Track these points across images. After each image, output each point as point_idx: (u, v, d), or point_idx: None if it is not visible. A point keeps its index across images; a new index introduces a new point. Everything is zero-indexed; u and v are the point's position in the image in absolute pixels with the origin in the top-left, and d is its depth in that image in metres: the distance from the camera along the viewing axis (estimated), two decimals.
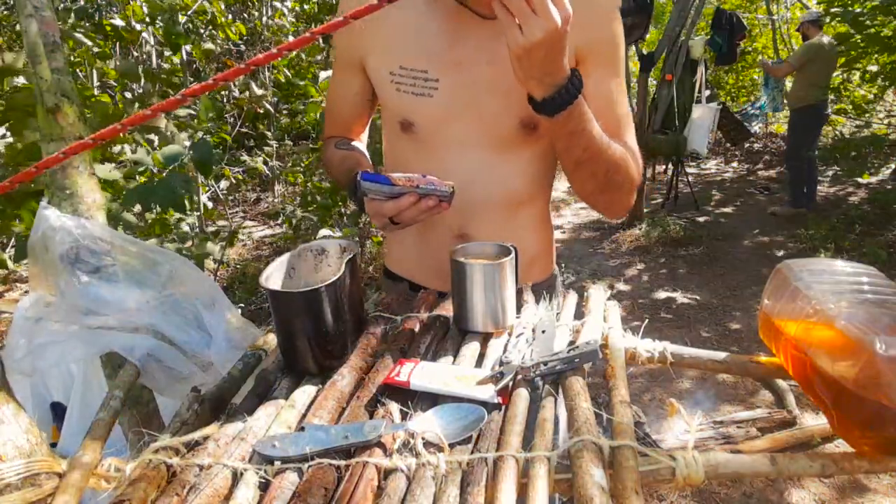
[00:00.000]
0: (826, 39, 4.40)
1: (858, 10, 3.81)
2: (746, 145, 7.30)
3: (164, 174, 1.58)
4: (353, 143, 1.06)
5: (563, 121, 0.72)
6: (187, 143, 1.86)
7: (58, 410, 1.23)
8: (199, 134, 1.97)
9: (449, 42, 0.87)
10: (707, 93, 5.62)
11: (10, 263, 1.77)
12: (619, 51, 0.88)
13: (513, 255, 0.74)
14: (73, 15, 2.22)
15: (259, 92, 3.18)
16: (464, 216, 0.93)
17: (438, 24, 0.87)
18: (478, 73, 0.87)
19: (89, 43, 2.13)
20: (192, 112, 2.21)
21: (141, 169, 1.85)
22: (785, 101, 5.65)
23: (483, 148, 0.91)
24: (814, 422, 2.08)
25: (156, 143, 2.04)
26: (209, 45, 2.94)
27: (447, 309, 0.81)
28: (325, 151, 1.06)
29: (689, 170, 5.86)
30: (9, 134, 1.54)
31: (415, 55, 0.88)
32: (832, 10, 4.15)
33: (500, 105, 0.88)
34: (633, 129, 0.91)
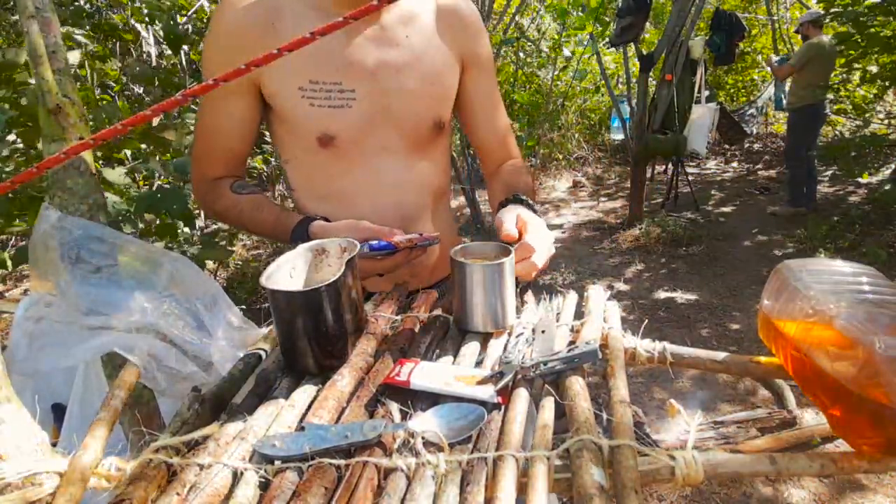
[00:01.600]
0: (826, 39, 4.40)
1: (858, 10, 3.81)
2: (746, 145, 7.31)
3: (170, 183, 1.59)
4: (246, 182, 0.99)
5: None
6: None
7: (58, 411, 1.23)
8: None
9: (356, 52, 0.89)
10: (706, 93, 5.62)
11: (9, 264, 1.77)
12: (492, 59, 1.07)
13: (512, 255, 0.74)
14: (69, 13, 2.22)
15: None
16: (402, 218, 0.97)
17: (340, 34, 0.88)
18: (390, 80, 0.91)
19: (87, 43, 2.13)
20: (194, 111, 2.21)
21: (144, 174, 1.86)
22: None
23: (403, 151, 0.97)
24: (814, 422, 2.08)
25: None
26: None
27: (447, 309, 0.81)
28: (219, 197, 0.96)
29: (689, 170, 5.86)
30: (19, 140, 1.55)
31: (324, 68, 0.88)
32: (832, 10, 4.15)
33: (414, 109, 0.94)
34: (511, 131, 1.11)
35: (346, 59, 0.89)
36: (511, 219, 0.80)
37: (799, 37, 4.84)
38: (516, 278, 0.76)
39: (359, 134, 0.92)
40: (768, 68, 5.23)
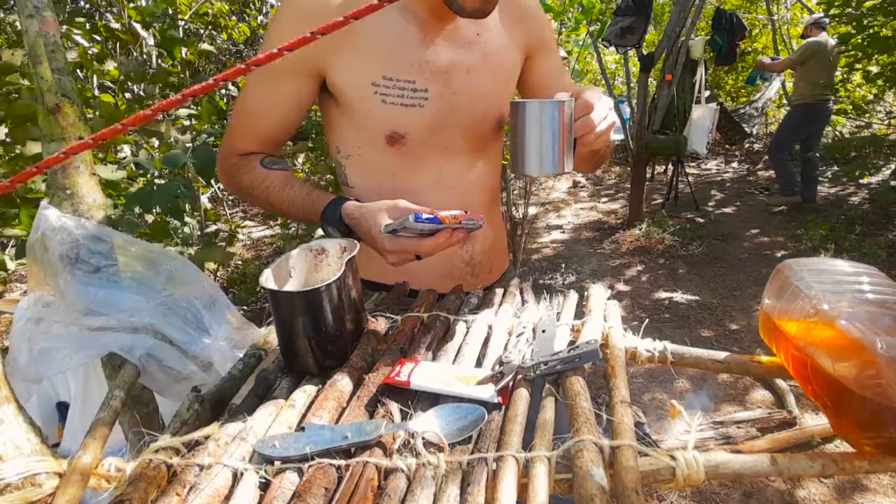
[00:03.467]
0: (826, 39, 4.45)
1: (858, 12, 3.82)
2: (746, 145, 7.30)
3: (165, 180, 1.59)
4: (277, 159, 0.95)
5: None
6: (189, 146, 1.86)
7: (63, 410, 1.23)
8: (203, 136, 1.97)
9: (431, 51, 0.88)
10: (707, 93, 5.62)
11: (9, 264, 1.77)
12: (553, 33, 1.05)
13: (572, 100, 0.71)
14: (66, 13, 2.22)
15: None
16: None
17: (416, 32, 0.87)
18: (461, 81, 0.91)
19: (86, 43, 2.13)
20: (193, 112, 2.21)
21: (141, 171, 1.85)
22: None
23: (466, 152, 0.96)
24: (814, 422, 2.09)
25: (156, 145, 2.04)
26: (205, 46, 2.93)
27: (447, 309, 0.81)
28: (248, 171, 0.92)
29: (689, 170, 5.86)
30: (10, 139, 1.54)
31: (399, 65, 0.86)
32: (832, 11, 4.16)
33: (480, 110, 0.94)
34: None
35: (421, 57, 0.87)
36: (565, 91, 0.78)
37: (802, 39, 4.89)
38: (575, 139, 0.74)
39: (428, 134, 0.91)
40: (762, 73, 5.26)
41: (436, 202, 0.93)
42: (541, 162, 0.70)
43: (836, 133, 7.17)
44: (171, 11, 2.21)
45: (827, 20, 4.47)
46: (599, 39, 4.71)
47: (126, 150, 2.07)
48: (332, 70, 0.86)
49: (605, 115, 0.76)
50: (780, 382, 2.30)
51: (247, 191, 0.93)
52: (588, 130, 0.73)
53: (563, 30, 4.93)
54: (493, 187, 1.04)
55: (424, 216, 0.72)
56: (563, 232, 4.85)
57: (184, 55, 2.70)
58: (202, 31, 3.20)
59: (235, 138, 0.93)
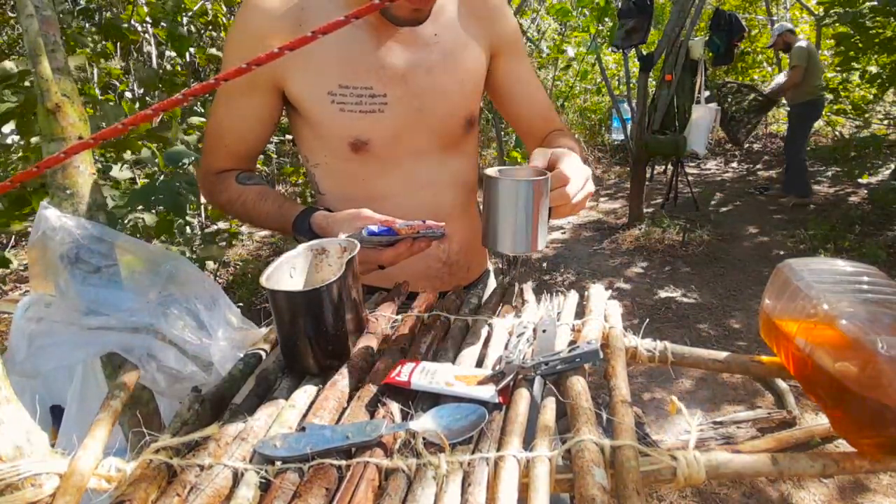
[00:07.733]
0: (804, 42, 4.70)
1: (857, 10, 3.83)
2: (746, 145, 7.30)
3: (166, 176, 1.59)
4: (252, 174, 0.97)
5: None
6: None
7: (56, 413, 1.23)
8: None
9: (386, 55, 0.87)
10: (706, 93, 5.62)
11: (14, 262, 1.77)
12: (520, 36, 1.02)
13: (548, 176, 0.70)
14: (77, 16, 2.22)
15: None
16: (437, 219, 0.94)
17: (369, 38, 0.86)
18: (420, 82, 0.89)
19: (87, 38, 2.13)
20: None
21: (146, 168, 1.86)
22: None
23: (435, 152, 0.95)
24: (814, 422, 2.09)
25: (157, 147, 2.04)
26: (213, 51, 2.92)
27: (447, 309, 0.81)
28: (225, 189, 0.94)
29: (689, 170, 5.85)
30: (15, 133, 1.54)
31: (354, 72, 0.86)
32: (832, 10, 4.16)
33: (445, 109, 0.93)
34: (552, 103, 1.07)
35: (376, 62, 0.86)
36: (543, 153, 0.76)
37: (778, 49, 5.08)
38: (550, 208, 0.72)
39: (392, 138, 0.90)
40: (774, 86, 5.29)
41: (408, 204, 0.93)
42: (514, 241, 0.69)
43: (837, 133, 7.17)
44: (184, 4, 2.21)
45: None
46: (602, 43, 4.70)
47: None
48: (289, 82, 0.86)
49: (581, 186, 0.74)
50: (780, 382, 2.30)
51: (226, 207, 0.96)
52: (564, 202, 0.72)
53: (566, 30, 4.93)
54: (469, 184, 1.03)
55: (378, 229, 0.73)
56: (563, 232, 4.85)
57: (189, 56, 2.70)
58: (204, 32, 3.20)
59: (210, 158, 0.96)
